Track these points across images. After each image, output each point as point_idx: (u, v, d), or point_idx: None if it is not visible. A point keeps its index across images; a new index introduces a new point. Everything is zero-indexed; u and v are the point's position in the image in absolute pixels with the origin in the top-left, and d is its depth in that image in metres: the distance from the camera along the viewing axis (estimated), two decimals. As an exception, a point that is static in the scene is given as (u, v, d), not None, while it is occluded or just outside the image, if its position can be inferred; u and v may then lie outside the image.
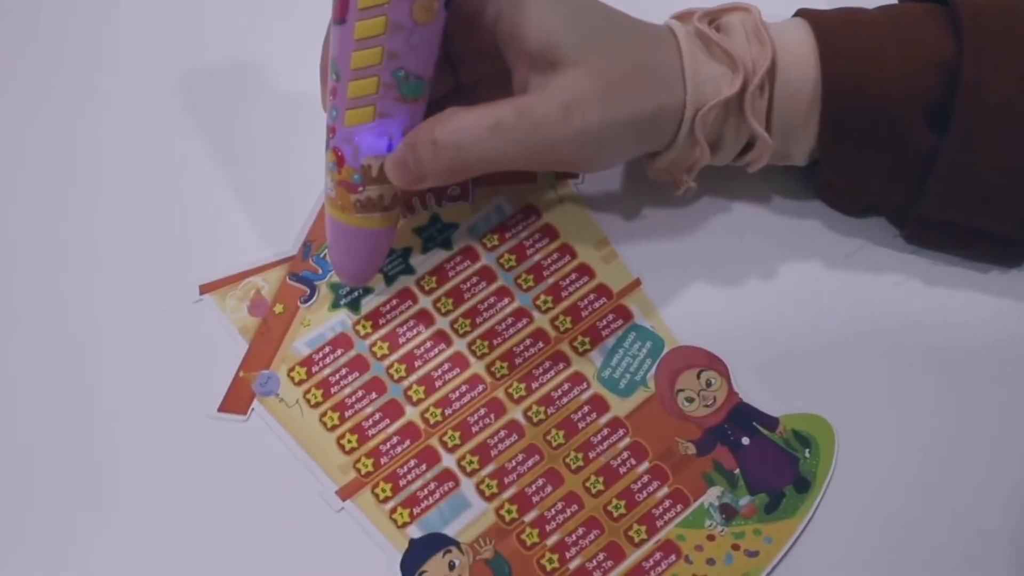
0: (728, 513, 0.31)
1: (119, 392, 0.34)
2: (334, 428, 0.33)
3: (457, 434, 0.32)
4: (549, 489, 0.32)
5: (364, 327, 0.34)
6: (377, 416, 0.33)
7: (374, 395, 0.33)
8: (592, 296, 0.34)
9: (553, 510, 0.31)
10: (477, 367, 0.33)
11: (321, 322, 0.34)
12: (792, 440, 0.32)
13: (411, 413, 0.33)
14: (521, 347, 0.34)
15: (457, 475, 0.32)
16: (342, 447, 0.32)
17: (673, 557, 0.30)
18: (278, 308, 0.35)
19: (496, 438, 0.32)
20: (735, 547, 0.30)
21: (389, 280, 0.35)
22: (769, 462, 0.32)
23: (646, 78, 0.29)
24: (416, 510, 0.31)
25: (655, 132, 0.30)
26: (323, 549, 0.31)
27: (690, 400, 0.33)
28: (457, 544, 0.31)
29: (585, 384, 0.33)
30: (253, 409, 0.33)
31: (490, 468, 0.32)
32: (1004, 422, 0.32)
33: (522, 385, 0.33)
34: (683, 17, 0.31)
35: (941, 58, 0.29)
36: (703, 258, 0.35)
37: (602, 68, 0.28)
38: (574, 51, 0.28)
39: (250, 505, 0.32)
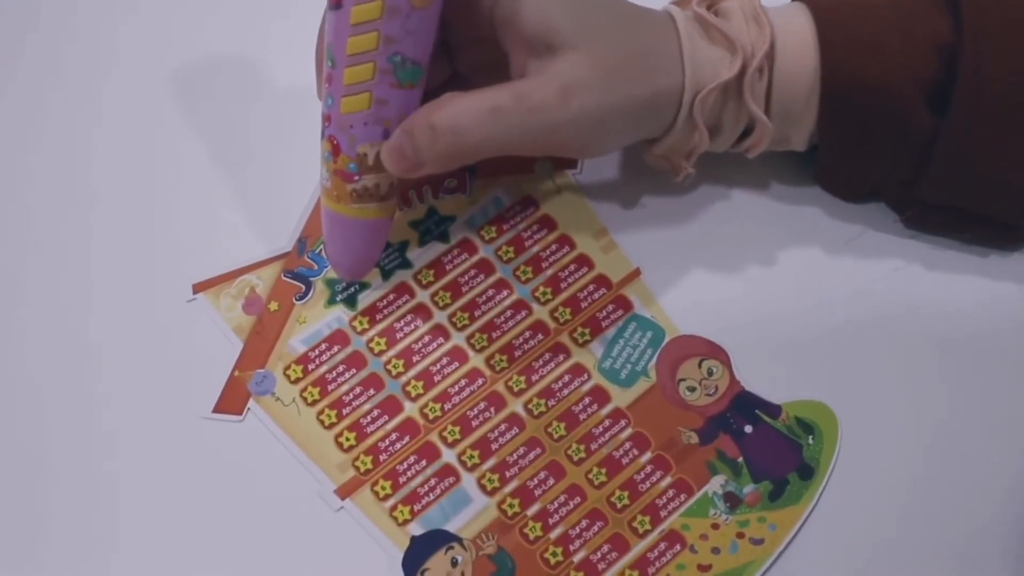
0: (732, 501, 0.31)
1: (113, 394, 0.33)
2: (332, 426, 0.32)
3: (457, 429, 0.32)
4: (551, 482, 0.31)
5: (361, 323, 0.34)
6: (375, 413, 0.32)
7: (372, 391, 0.33)
8: (591, 287, 0.34)
9: (556, 503, 0.31)
10: (476, 360, 0.33)
11: (317, 319, 0.34)
12: (795, 427, 0.32)
13: (410, 409, 0.32)
14: (520, 339, 0.33)
15: (458, 470, 0.32)
16: (340, 445, 0.32)
17: (678, 547, 0.30)
18: (273, 306, 0.34)
19: (497, 432, 0.32)
20: (740, 535, 0.30)
21: (386, 275, 0.35)
22: (772, 450, 0.31)
23: (644, 62, 0.29)
24: (417, 507, 0.31)
25: (654, 116, 0.30)
26: (323, 549, 0.31)
27: (692, 389, 0.32)
28: (459, 540, 0.31)
29: (586, 375, 0.33)
30: (249, 409, 0.33)
31: (491, 462, 0.32)
32: (1006, 406, 0.31)
33: (522, 378, 0.33)
34: (682, 3, 0.31)
35: (941, 41, 0.29)
36: (702, 247, 0.34)
37: (600, 52, 0.28)
38: (572, 35, 0.28)
39: (248, 506, 0.31)
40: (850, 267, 0.34)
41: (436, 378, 0.33)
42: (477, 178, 0.36)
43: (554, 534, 0.31)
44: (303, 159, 0.36)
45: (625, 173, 0.36)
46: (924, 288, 0.33)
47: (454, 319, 0.34)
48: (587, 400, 0.32)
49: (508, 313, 0.34)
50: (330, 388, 0.33)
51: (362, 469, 0.32)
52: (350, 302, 0.34)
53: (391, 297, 0.34)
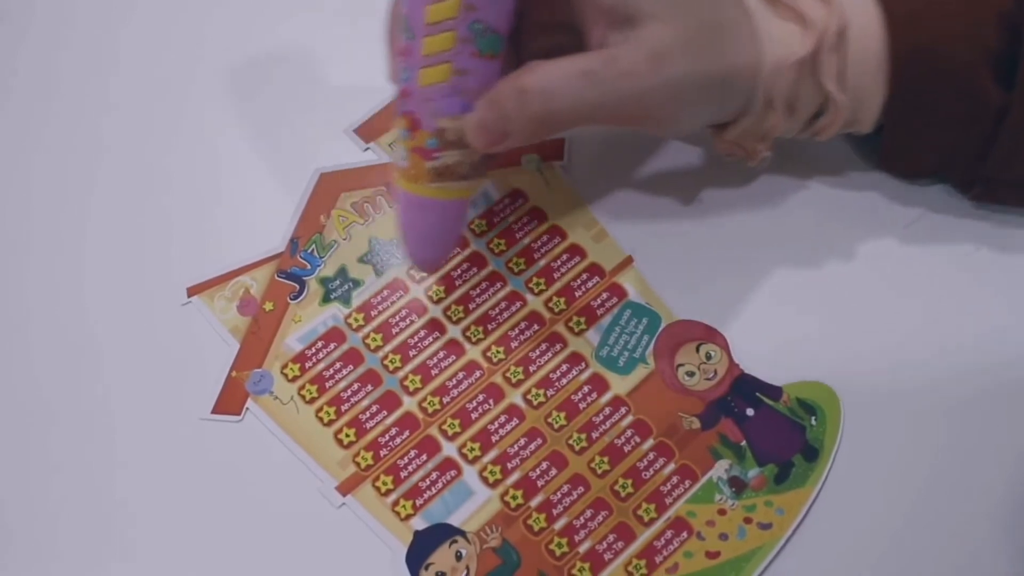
0: (737, 486, 0.30)
1: (113, 400, 0.33)
2: (331, 423, 0.32)
3: (456, 422, 0.32)
4: (553, 472, 0.31)
5: (356, 319, 0.34)
6: (374, 408, 0.32)
7: (370, 387, 0.33)
8: (585, 276, 0.34)
9: (559, 493, 0.31)
10: (473, 353, 0.33)
11: (312, 317, 0.34)
12: (797, 409, 0.31)
13: (409, 403, 0.32)
14: (516, 331, 0.33)
15: (459, 463, 0.31)
16: (340, 442, 0.32)
17: (685, 534, 0.30)
18: (268, 306, 0.34)
19: (496, 423, 0.32)
20: (747, 520, 0.30)
21: (379, 271, 0.35)
22: (775, 432, 0.31)
23: (720, 35, 0.28)
24: (419, 501, 0.31)
25: (729, 94, 0.29)
26: (327, 547, 0.30)
27: (691, 374, 0.32)
28: (463, 533, 0.30)
29: (583, 364, 0.33)
30: (247, 409, 0.32)
31: (492, 454, 0.31)
32: (1013, 377, 0.31)
33: (520, 369, 0.33)
34: None
35: (1005, 10, 0.29)
36: (694, 232, 0.34)
37: (680, 23, 0.28)
38: (651, 5, 0.27)
39: (250, 506, 0.31)
40: (845, 241, 0.34)
41: (434, 372, 0.33)
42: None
43: (558, 525, 0.30)
44: (293, 159, 0.36)
45: (613, 162, 0.36)
46: (918, 262, 0.33)
47: (449, 313, 0.34)
48: (586, 389, 0.32)
49: (503, 305, 0.34)
50: (328, 385, 0.33)
51: (363, 465, 0.31)
52: (345, 300, 0.34)
53: (385, 293, 0.34)
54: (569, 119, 0.28)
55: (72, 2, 0.42)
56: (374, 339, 0.33)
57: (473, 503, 0.31)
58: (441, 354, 0.33)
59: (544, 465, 0.31)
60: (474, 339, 0.33)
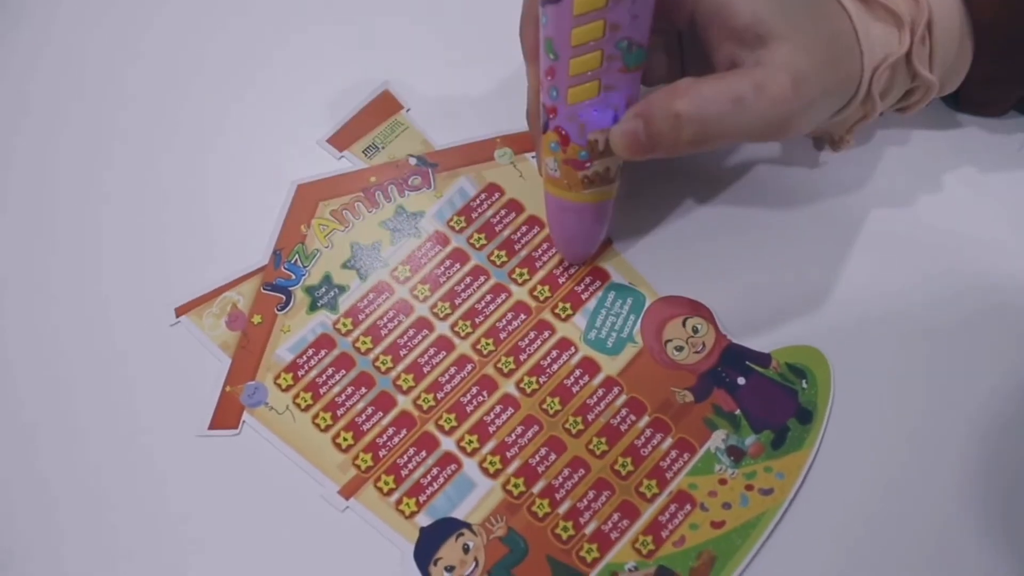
0: (736, 455, 0.31)
1: (108, 424, 0.33)
2: (328, 428, 0.32)
3: (452, 416, 0.32)
4: (553, 457, 0.31)
5: (345, 324, 0.34)
6: (370, 410, 0.32)
7: (364, 390, 0.33)
8: (565, 263, 0.34)
9: (560, 477, 0.31)
10: (463, 347, 0.33)
11: (301, 326, 0.34)
12: (787, 374, 0.32)
13: (403, 402, 0.32)
14: (504, 322, 0.33)
15: (458, 457, 0.31)
16: (338, 446, 0.32)
17: (688, 507, 0.30)
18: (256, 319, 0.34)
19: (492, 414, 0.32)
20: (749, 487, 0.30)
21: (363, 275, 0.35)
22: (768, 398, 0.31)
23: (836, 47, 0.29)
24: (422, 498, 0.31)
25: (840, 99, 0.30)
26: (334, 551, 0.30)
27: (679, 349, 0.33)
28: (468, 526, 0.30)
29: (573, 348, 0.33)
30: (244, 422, 0.32)
31: (490, 445, 0.32)
32: (1001, 327, 0.32)
33: (510, 358, 0.33)
34: None
35: None
36: (670, 210, 0.35)
37: (808, 41, 0.28)
38: (779, 25, 0.28)
39: (254, 518, 0.31)
40: (815, 208, 0.34)
41: (425, 369, 0.33)
42: (439, 171, 0.36)
43: (562, 509, 0.30)
44: (269, 174, 0.37)
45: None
46: (897, 220, 0.34)
47: (435, 310, 0.34)
48: (578, 372, 0.32)
49: (488, 298, 0.34)
50: (322, 392, 0.33)
51: (363, 467, 0.31)
52: (332, 306, 0.34)
53: (371, 296, 0.34)
54: (716, 142, 0.28)
55: (40, 26, 0.42)
56: (364, 342, 0.34)
57: (476, 495, 0.31)
58: (432, 351, 0.33)
59: (543, 451, 0.31)
60: (463, 333, 0.33)
